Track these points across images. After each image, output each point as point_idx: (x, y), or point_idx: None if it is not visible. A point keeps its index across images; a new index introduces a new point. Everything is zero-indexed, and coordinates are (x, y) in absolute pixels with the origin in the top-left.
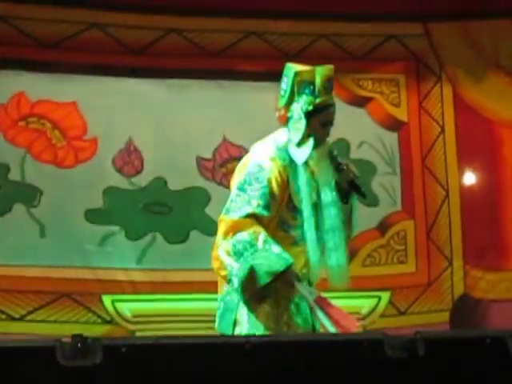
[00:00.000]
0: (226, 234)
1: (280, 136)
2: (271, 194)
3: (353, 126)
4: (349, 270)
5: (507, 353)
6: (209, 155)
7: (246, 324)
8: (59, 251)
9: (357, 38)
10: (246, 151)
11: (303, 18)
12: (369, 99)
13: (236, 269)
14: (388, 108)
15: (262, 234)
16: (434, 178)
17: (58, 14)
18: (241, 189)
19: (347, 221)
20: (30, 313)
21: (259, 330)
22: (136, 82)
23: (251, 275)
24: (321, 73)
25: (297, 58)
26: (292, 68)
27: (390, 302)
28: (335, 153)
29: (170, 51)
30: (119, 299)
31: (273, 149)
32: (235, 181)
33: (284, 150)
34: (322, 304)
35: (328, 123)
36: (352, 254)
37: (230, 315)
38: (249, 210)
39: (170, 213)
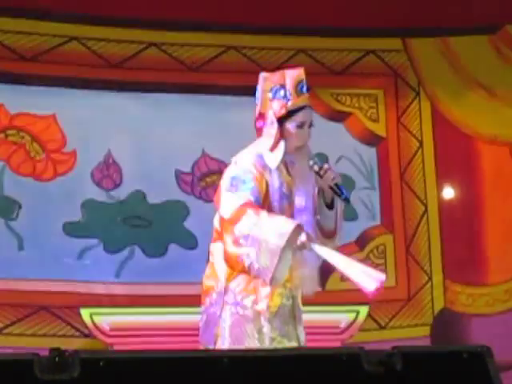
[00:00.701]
0: (228, 230)
1: (259, 144)
2: (259, 191)
3: (331, 140)
4: (318, 278)
5: (485, 367)
6: (188, 169)
7: (227, 338)
8: (37, 264)
9: (336, 53)
10: (225, 165)
11: (282, 32)
12: (347, 114)
13: (253, 254)
14: (366, 123)
15: (261, 211)
16: (413, 193)
17: (37, 27)
18: (229, 190)
19: (332, 226)
20: (7, 326)
21: (240, 342)
22: (115, 95)
23: (267, 249)
24: (291, 76)
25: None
26: (262, 76)
27: (370, 316)
28: (315, 158)
29: (149, 65)
30: (97, 312)
31: (253, 155)
32: (222, 187)
33: (262, 156)
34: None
35: (304, 124)
36: (330, 268)
37: (211, 328)
38: (241, 201)
39: (149, 226)
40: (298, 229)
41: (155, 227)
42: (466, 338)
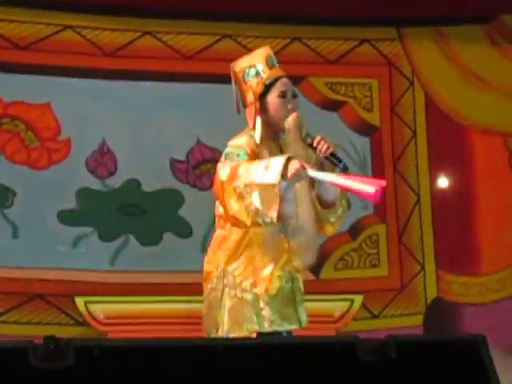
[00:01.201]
0: (228, 191)
1: (246, 127)
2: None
3: (325, 129)
4: (316, 248)
5: (479, 357)
6: (182, 157)
7: (226, 321)
8: (32, 252)
9: (330, 42)
10: (220, 153)
11: (277, 20)
12: (341, 103)
13: (256, 200)
14: (360, 112)
15: (254, 161)
16: (406, 183)
17: (32, 15)
18: (223, 162)
19: (334, 198)
20: (1, 314)
21: (238, 329)
22: (110, 83)
23: (266, 190)
24: (258, 54)
25: None
26: (232, 66)
27: (363, 306)
28: (305, 131)
29: (144, 53)
30: (92, 301)
31: (244, 137)
32: (217, 167)
33: (252, 136)
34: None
35: (286, 93)
36: (324, 258)
37: (213, 313)
38: (235, 163)
39: (144, 214)
40: (290, 160)
41: (150, 215)
42: (459, 328)
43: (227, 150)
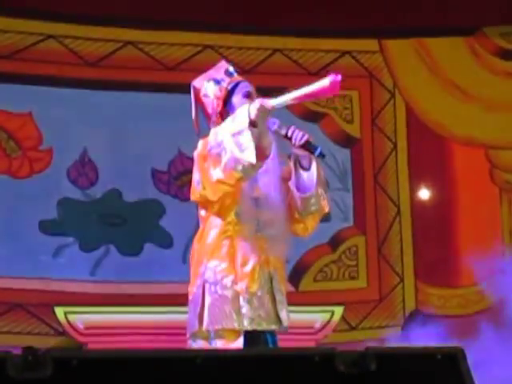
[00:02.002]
0: (208, 159)
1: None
2: None
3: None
4: (289, 241)
5: (458, 368)
6: (164, 168)
7: (206, 318)
8: (13, 261)
9: (312, 54)
10: None
11: (260, 32)
12: (322, 115)
13: (236, 152)
14: (341, 124)
15: None
16: (386, 195)
17: (14, 24)
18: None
19: (312, 186)
20: None
21: (218, 326)
22: (92, 93)
23: (239, 138)
24: (215, 69)
25: (252, 71)
26: (192, 84)
27: (342, 317)
28: (275, 127)
29: (126, 63)
30: (72, 311)
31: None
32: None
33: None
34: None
35: (250, 94)
36: (304, 269)
37: (196, 310)
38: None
39: (125, 225)
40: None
41: (131, 226)
42: (438, 340)
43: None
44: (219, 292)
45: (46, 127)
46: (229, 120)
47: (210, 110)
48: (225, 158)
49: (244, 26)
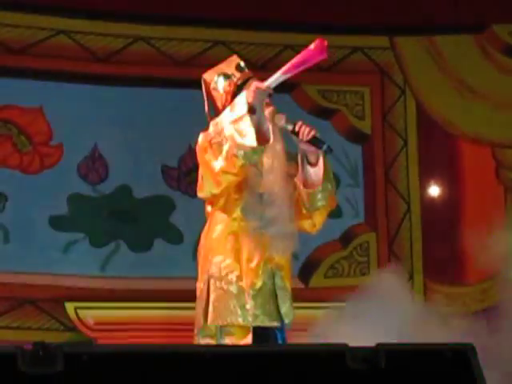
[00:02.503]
0: (210, 149)
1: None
2: None
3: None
4: (294, 239)
5: (469, 366)
6: (174, 164)
7: (210, 313)
8: (23, 257)
9: None
10: None
11: (270, 28)
12: (334, 111)
13: (238, 138)
14: (352, 120)
15: None
16: (396, 192)
17: (25, 19)
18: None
19: (319, 182)
20: None
21: (222, 321)
22: (102, 89)
23: (240, 125)
24: (226, 63)
25: (263, 68)
26: (203, 77)
27: None
28: (282, 122)
29: (136, 59)
30: (82, 306)
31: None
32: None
33: None
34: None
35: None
36: (314, 265)
37: (202, 305)
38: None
39: (135, 221)
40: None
41: (141, 222)
42: (445, 337)
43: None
44: (224, 287)
45: (56, 122)
46: (228, 109)
47: (219, 104)
48: (226, 147)
49: (255, 21)
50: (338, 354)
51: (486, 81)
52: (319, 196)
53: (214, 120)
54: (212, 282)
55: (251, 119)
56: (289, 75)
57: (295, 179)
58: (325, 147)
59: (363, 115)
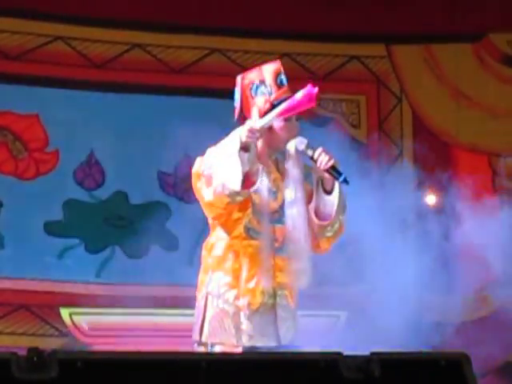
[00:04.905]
0: (202, 179)
1: None
2: None
3: (313, 145)
4: (310, 271)
5: (462, 375)
6: (170, 170)
7: (205, 330)
8: (18, 263)
9: (319, 58)
10: None
11: (267, 36)
12: (329, 119)
13: (220, 178)
14: (348, 129)
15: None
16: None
17: (22, 25)
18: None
19: (332, 212)
20: None
21: (217, 336)
22: (99, 95)
23: (228, 164)
24: (269, 70)
25: None
26: (240, 76)
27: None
28: (303, 147)
29: (133, 66)
30: (77, 312)
31: None
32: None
33: None
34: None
35: (292, 117)
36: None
37: (198, 321)
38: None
39: (131, 227)
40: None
41: (137, 228)
42: (440, 346)
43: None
44: (220, 306)
45: (52, 129)
46: (223, 141)
47: (250, 114)
48: (215, 182)
49: (252, 29)
50: (331, 362)
51: (482, 90)
52: (328, 228)
53: (210, 148)
54: (210, 298)
55: (241, 158)
56: (280, 117)
57: (309, 207)
58: (341, 178)
59: (359, 124)
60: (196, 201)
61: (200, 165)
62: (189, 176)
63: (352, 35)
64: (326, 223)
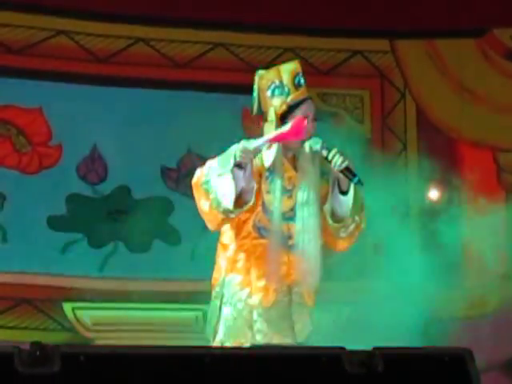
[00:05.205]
0: (198, 191)
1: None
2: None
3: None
4: (319, 272)
5: (466, 370)
6: (173, 165)
7: (220, 331)
8: (21, 257)
9: (323, 53)
10: None
11: (271, 31)
12: (333, 114)
13: (215, 194)
14: (352, 124)
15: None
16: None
17: (26, 20)
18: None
19: (347, 212)
20: None
21: (231, 340)
22: (102, 90)
23: (223, 182)
24: (287, 70)
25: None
26: (258, 74)
27: None
28: (318, 147)
29: (136, 60)
30: (80, 307)
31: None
32: None
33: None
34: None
35: (307, 119)
36: None
37: (212, 321)
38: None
39: (133, 221)
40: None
41: (140, 223)
42: (444, 341)
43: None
44: (234, 305)
45: (56, 123)
46: (221, 156)
47: (267, 116)
48: (211, 196)
49: (256, 24)
50: (334, 357)
51: (486, 84)
52: (342, 229)
53: (210, 161)
54: (224, 299)
55: (236, 176)
56: (271, 143)
57: (324, 208)
58: (355, 180)
59: (363, 118)
60: None
61: (199, 177)
62: (192, 171)
63: (356, 30)
64: (339, 225)
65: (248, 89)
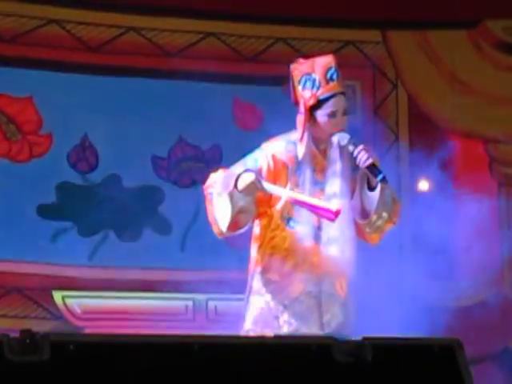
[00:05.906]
0: (206, 197)
1: (293, 133)
2: (259, 170)
3: None
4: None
5: (455, 361)
6: (164, 154)
7: (247, 321)
8: (11, 245)
9: (314, 43)
10: (202, 151)
11: (262, 20)
12: None
13: (214, 211)
14: None
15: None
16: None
17: (16, 8)
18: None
19: (372, 208)
20: None
21: (258, 326)
22: (93, 78)
23: (222, 202)
24: (320, 63)
25: (254, 60)
26: (293, 65)
27: None
28: (345, 142)
29: (127, 49)
30: (69, 295)
31: (281, 141)
32: None
33: (294, 143)
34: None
35: (336, 113)
36: None
37: (244, 312)
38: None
39: (124, 210)
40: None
41: (130, 212)
42: (437, 332)
43: (255, 151)
44: (261, 296)
45: (46, 112)
46: (226, 175)
47: (298, 106)
48: (212, 209)
49: (247, 14)
50: (324, 346)
51: (478, 76)
52: (368, 226)
53: (224, 171)
54: (253, 291)
55: (233, 200)
56: (291, 202)
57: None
58: (380, 177)
59: (354, 109)
60: (189, 185)
61: (209, 184)
62: (182, 160)
63: (347, 20)
64: (363, 222)
65: (239, 78)
